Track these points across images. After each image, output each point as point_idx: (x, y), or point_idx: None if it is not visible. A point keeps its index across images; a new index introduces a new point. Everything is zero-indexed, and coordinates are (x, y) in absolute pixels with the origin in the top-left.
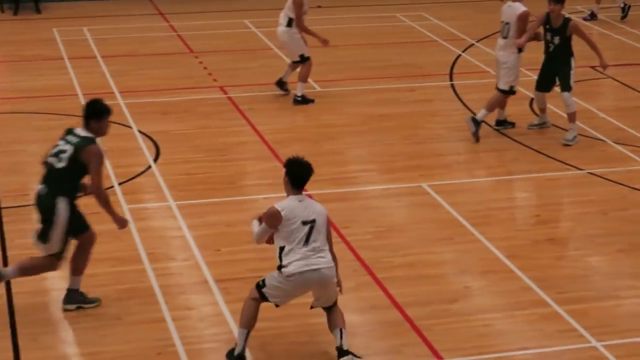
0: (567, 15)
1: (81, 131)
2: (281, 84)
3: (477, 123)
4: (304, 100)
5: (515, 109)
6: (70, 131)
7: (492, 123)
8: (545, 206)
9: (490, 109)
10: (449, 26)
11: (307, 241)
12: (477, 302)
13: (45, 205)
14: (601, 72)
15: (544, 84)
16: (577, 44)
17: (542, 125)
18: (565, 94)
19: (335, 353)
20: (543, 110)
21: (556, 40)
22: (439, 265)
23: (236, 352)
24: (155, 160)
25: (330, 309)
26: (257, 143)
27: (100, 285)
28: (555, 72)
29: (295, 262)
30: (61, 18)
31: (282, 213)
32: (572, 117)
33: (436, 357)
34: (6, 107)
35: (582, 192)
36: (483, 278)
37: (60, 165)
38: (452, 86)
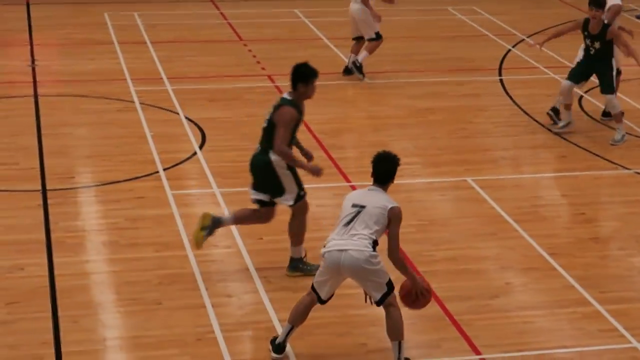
0: (606, 21)
1: (286, 95)
2: (359, 68)
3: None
4: (359, 69)
5: None
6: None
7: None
8: (591, 205)
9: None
10: (499, 21)
11: (348, 223)
12: (518, 298)
13: (254, 162)
14: None
15: (577, 76)
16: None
17: (568, 125)
18: (608, 96)
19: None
20: (569, 106)
21: (597, 45)
22: (481, 260)
23: (277, 341)
24: (201, 147)
25: (386, 312)
26: (303, 133)
27: (142, 270)
28: (596, 73)
29: (330, 241)
30: (112, 3)
31: (345, 196)
32: (618, 118)
33: (475, 352)
34: (56, 90)
35: (628, 192)
36: (525, 275)
37: (264, 125)
38: (501, 81)
